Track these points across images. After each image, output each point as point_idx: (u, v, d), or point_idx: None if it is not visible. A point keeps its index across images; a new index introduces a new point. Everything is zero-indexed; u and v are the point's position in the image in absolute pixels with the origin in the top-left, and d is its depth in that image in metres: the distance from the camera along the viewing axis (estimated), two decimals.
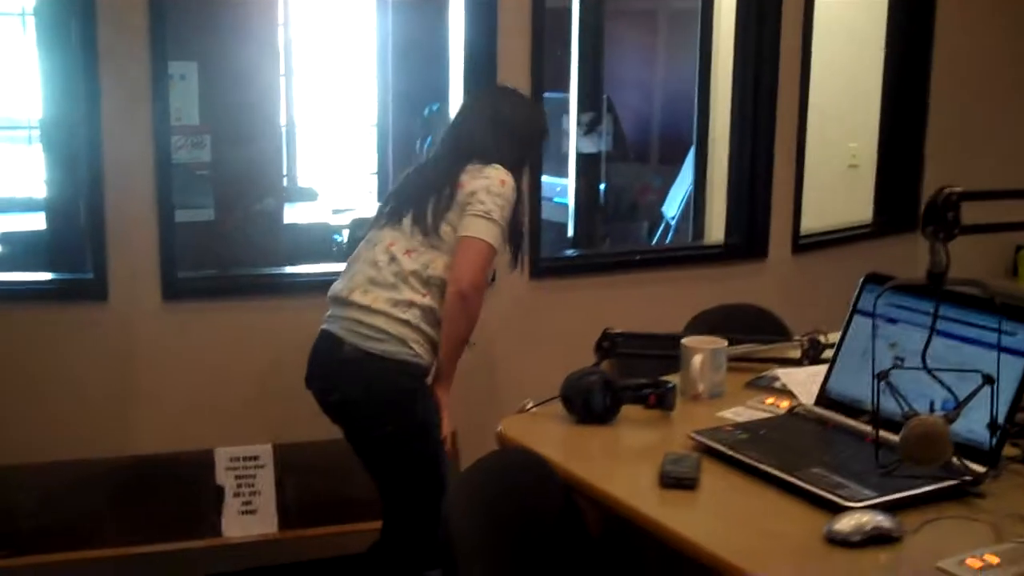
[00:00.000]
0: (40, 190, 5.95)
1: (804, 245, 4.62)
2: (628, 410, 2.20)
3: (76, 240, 4.22)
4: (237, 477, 3.62)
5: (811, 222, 4.79)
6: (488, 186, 2.77)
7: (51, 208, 5.43)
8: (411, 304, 2.77)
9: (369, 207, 8.22)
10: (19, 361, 3.54)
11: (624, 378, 2.27)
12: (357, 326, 2.80)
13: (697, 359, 2.30)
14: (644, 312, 4.15)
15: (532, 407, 2.33)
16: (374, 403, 2.80)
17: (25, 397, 3.54)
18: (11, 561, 3.38)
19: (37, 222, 5.90)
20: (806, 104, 4.53)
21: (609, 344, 2.55)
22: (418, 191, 2.87)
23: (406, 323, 2.76)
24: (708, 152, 6.29)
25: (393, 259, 2.80)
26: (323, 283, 3.87)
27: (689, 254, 4.65)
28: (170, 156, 3.66)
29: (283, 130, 7.55)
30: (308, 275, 3.99)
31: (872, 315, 2.03)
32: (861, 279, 2.20)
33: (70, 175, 4.63)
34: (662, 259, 4.58)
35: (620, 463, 2.11)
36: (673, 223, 7.08)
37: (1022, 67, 5.63)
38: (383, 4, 8.52)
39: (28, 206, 6.56)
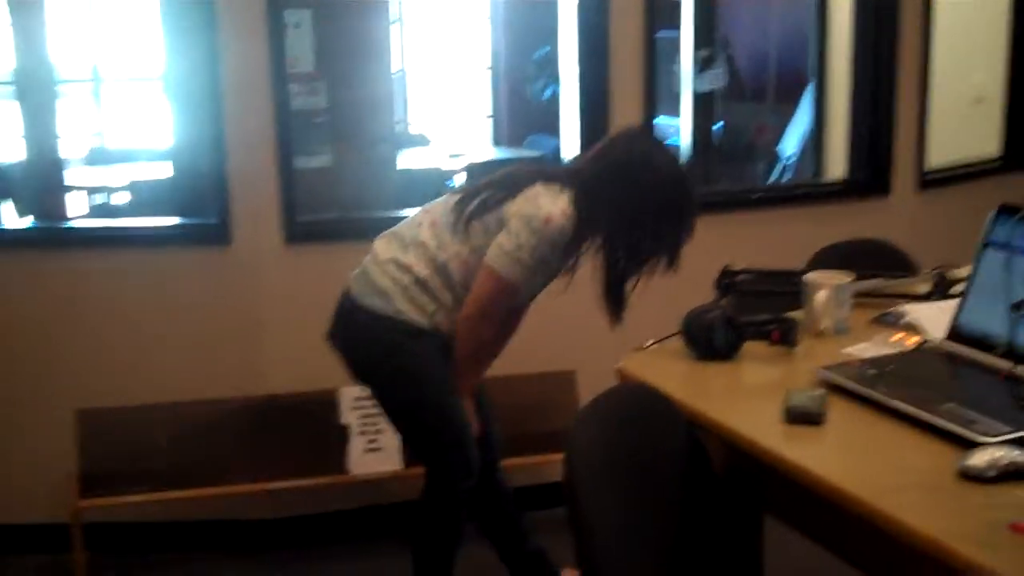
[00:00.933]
0: (166, 140, 6.14)
1: (929, 181, 4.48)
2: (750, 346, 2.18)
3: (201, 187, 4.32)
4: (362, 416, 3.68)
5: (936, 158, 4.65)
6: (531, 218, 2.55)
7: (177, 157, 5.59)
8: (408, 269, 2.72)
9: (483, 151, 8.26)
10: (149, 305, 3.67)
11: (746, 315, 2.25)
12: (362, 276, 2.82)
13: (821, 294, 2.26)
14: (764, 251, 4.02)
15: (652, 343, 2.32)
16: (360, 358, 2.89)
17: (155, 340, 3.66)
18: (147, 496, 3.51)
19: (164, 170, 6.07)
20: (929, 33, 4.38)
21: (729, 281, 2.52)
22: (488, 181, 2.75)
23: (396, 282, 2.72)
24: (827, 88, 6.13)
25: (420, 224, 2.76)
26: None
27: (809, 191, 4.55)
28: (288, 103, 3.72)
29: (395, 76, 7.59)
30: None
31: (1007, 247, 1.97)
32: (994, 211, 2.12)
33: (194, 125, 4.74)
34: (781, 197, 4.50)
35: (743, 399, 2.09)
36: (791, 163, 6.94)
37: None
38: None
39: (156, 155, 6.75)
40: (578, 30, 3.92)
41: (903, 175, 4.41)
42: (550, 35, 7.88)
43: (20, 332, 3.65)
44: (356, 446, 3.67)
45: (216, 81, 3.57)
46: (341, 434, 3.66)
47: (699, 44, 6.17)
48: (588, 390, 3.86)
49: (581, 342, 3.52)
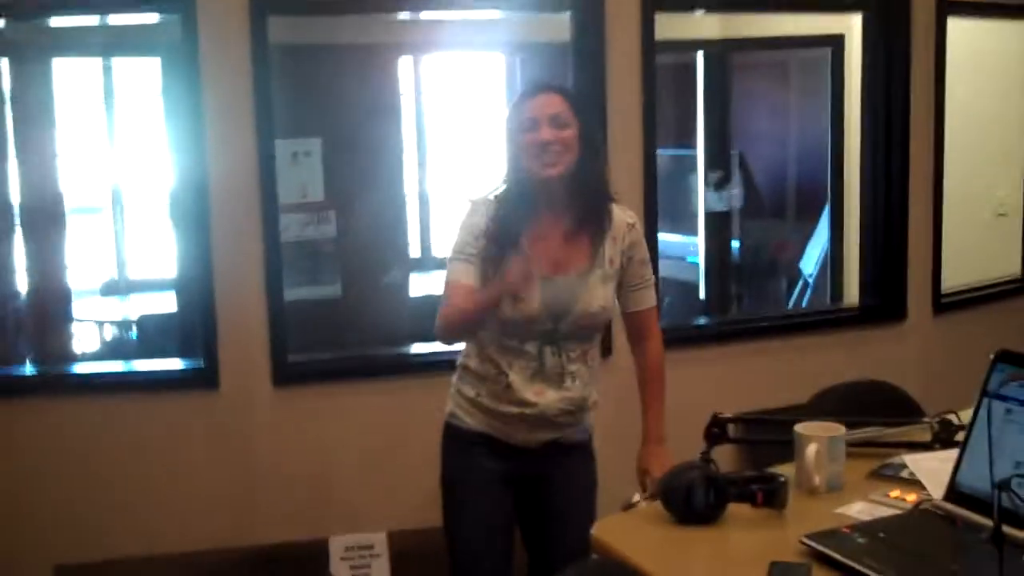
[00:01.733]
0: (171, 273, 6.09)
1: (946, 304, 4.33)
2: (736, 507, 2.01)
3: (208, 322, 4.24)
4: (352, 567, 3.54)
5: (958, 277, 4.50)
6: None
7: (179, 290, 5.53)
8: (456, 365, 2.70)
9: None
10: (131, 454, 3.55)
11: (741, 467, 2.09)
12: None
13: (811, 449, 2.10)
14: (776, 383, 3.94)
15: (639, 500, 2.16)
16: None
17: (138, 491, 3.54)
18: None
19: (170, 304, 6.01)
20: (941, 152, 4.27)
21: (719, 430, 2.36)
22: None
23: (453, 383, 2.70)
24: (843, 205, 6.03)
25: None
26: (439, 363, 3.80)
27: (823, 318, 4.39)
28: (279, 237, 3.63)
29: (408, 200, 7.56)
30: (424, 355, 3.89)
31: (999, 397, 1.81)
32: (992, 356, 1.96)
33: (187, 258, 4.68)
34: (794, 325, 4.34)
35: (724, 572, 1.91)
36: (811, 280, 6.79)
37: None
38: (512, 67, 8.51)
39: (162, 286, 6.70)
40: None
41: (919, 299, 4.26)
42: None
43: None
44: None
45: (205, 210, 3.50)
46: None
47: (714, 162, 6.11)
48: None
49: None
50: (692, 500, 1.98)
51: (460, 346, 2.67)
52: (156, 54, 5.57)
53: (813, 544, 1.80)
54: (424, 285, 6.84)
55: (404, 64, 7.27)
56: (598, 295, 2.54)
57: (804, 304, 6.69)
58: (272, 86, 3.49)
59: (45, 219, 5.46)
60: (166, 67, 5.59)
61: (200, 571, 3.49)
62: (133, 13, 4.10)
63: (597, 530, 2.02)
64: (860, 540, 1.81)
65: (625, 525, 2.06)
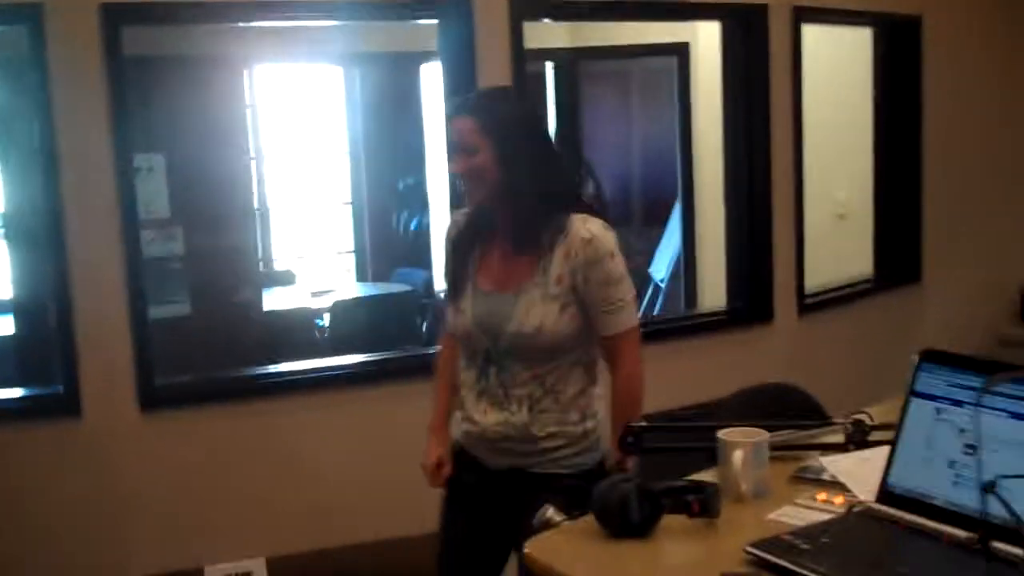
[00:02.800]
0: (8, 293, 5.75)
1: (810, 305, 4.43)
2: (668, 519, 1.97)
3: (46, 343, 3.99)
4: None
5: (808, 280, 4.62)
6: None
7: (20, 312, 5.22)
8: None
9: (347, 287, 8.03)
10: None
11: (654, 478, 2.05)
12: None
13: (738, 455, 2.07)
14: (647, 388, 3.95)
15: (558, 518, 2.10)
16: None
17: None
18: None
19: (5, 327, 5.67)
20: (801, 156, 4.38)
21: (634, 439, 2.32)
22: None
23: None
24: (695, 210, 6.14)
25: None
26: (308, 381, 3.68)
27: (690, 323, 4.43)
28: (140, 254, 3.45)
29: (256, 214, 7.36)
30: (293, 373, 3.77)
31: (927, 397, 1.83)
32: (915, 356, 1.98)
33: (37, 276, 4.42)
34: (660, 330, 4.36)
35: None
36: (663, 285, 6.89)
37: (1011, 103, 5.51)
38: (351, 77, 8.38)
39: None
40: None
41: (784, 301, 4.35)
42: (413, 166, 7.83)
43: None
44: None
45: (59, 227, 3.29)
46: None
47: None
48: None
49: None
50: (627, 513, 1.93)
51: None
52: None
53: (759, 553, 1.77)
54: (272, 300, 6.66)
55: (248, 75, 7.08)
56: (534, 314, 2.37)
57: (656, 310, 6.80)
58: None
59: None
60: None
61: None
62: None
63: (530, 548, 1.95)
64: (805, 546, 1.78)
65: (558, 542, 1.99)
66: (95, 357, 3.35)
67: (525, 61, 3.73)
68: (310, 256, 8.73)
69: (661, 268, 6.97)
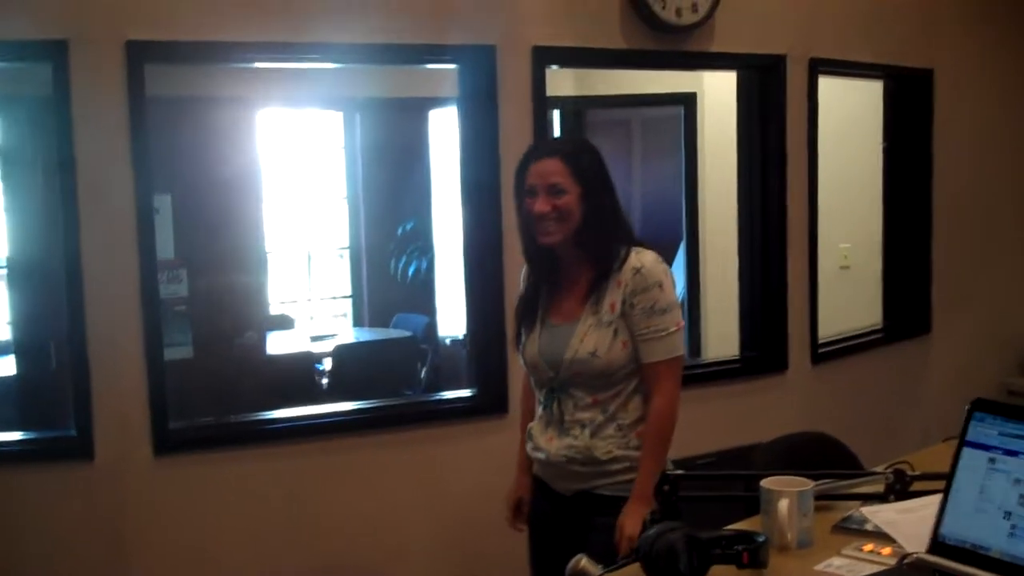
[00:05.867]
0: (8, 334, 5.69)
1: (823, 354, 4.42)
2: (714, 568, 1.94)
3: (51, 390, 3.94)
4: None
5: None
6: None
7: (23, 354, 5.17)
8: None
9: (345, 332, 7.98)
10: None
11: (692, 526, 2.01)
12: None
13: (784, 504, 2.05)
14: None
15: (593, 570, 2.05)
16: None
17: (6, 569, 3.21)
18: None
19: (5, 368, 5.61)
20: (815, 206, 4.38)
21: (671, 488, 2.29)
22: None
23: None
24: (699, 259, 6.14)
25: None
26: (321, 426, 3.64)
27: (704, 371, 4.40)
28: (158, 296, 3.42)
29: (267, 257, 7.34)
30: (300, 418, 3.72)
31: (980, 447, 1.81)
32: (967, 406, 1.96)
33: (46, 318, 4.37)
34: None
35: None
36: None
37: (1022, 155, 5.55)
38: (351, 122, 8.39)
39: None
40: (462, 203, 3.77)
41: (798, 350, 4.33)
42: (411, 211, 7.82)
43: None
44: None
45: (76, 267, 3.24)
46: None
47: None
48: None
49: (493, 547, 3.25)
50: (675, 563, 1.89)
51: None
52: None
53: None
54: (273, 345, 6.63)
55: (260, 118, 7.08)
56: (589, 341, 2.50)
57: None
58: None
59: None
60: (2, 118, 5.29)
61: None
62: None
63: None
64: None
65: None
66: (109, 400, 3.29)
67: (547, 107, 3.73)
68: (305, 301, 8.70)
69: None
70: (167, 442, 3.35)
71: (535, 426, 2.65)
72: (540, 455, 2.62)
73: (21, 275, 5.02)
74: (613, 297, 2.50)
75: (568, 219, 2.49)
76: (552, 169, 2.49)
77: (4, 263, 5.44)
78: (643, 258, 2.51)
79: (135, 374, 3.32)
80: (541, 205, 2.49)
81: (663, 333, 2.50)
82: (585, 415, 2.53)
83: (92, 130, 3.24)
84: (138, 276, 3.32)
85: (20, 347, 5.15)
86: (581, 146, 2.66)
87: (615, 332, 2.50)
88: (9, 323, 5.20)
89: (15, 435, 3.53)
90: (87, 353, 3.27)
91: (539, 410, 2.65)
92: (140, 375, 3.33)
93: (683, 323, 2.59)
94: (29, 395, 4.91)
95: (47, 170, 3.42)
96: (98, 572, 3.30)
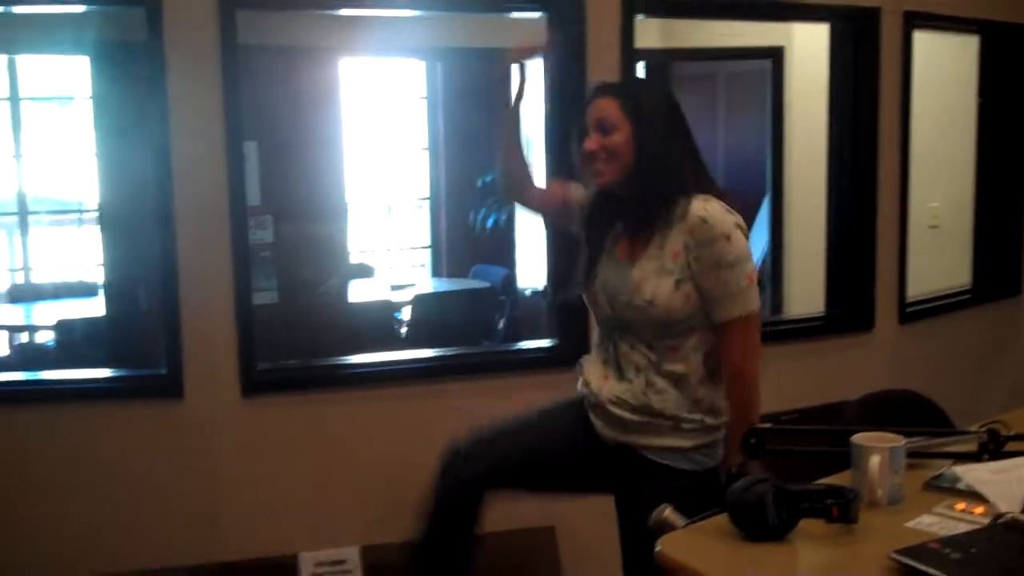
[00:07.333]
0: (100, 277, 5.82)
1: (910, 314, 4.35)
2: (802, 522, 1.93)
3: (138, 330, 4.01)
4: None
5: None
6: None
7: (112, 296, 5.28)
8: None
9: (423, 282, 8.03)
10: (88, 465, 3.32)
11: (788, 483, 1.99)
12: None
13: (875, 460, 2.03)
14: None
15: (678, 521, 2.06)
16: None
17: (92, 506, 3.32)
18: None
19: (95, 309, 5.74)
20: (907, 162, 4.30)
21: (758, 441, 2.28)
22: None
23: None
24: (784, 216, 6.07)
25: None
26: (401, 372, 3.68)
27: (789, 328, 4.35)
28: (247, 239, 3.46)
29: (349, 206, 7.38)
30: (388, 364, 3.76)
31: None
32: None
33: (135, 262, 4.46)
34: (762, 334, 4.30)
35: None
36: None
37: None
38: (433, 71, 8.39)
39: (82, 291, 6.41)
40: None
41: (886, 308, 4.27)
42: (492, 164, 7.81)
43: None
44: None
45: (169, 212, 3.30)
46: None
47: None
48: (568, 546, 3.62)
49: None
50: (763, 515, 1.88)
51: None
52: (83, 52, 5.35)
53: (906, 560, 1.72)
54: (354, 293, 6.70)
55: (343, 67, 7.11)
56: (647, 287, 2.40)
57: None
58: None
59: None
60: (94, 64, 5.36)
61: None
62: (92, 6, 3.86)
63: (664, 547, 1.92)
64: (954, 556, 1.73)
65: (691, 541, 1.95)
66: (199, 340, 3.35)
67: (635, 58, 3.69)
68: (385, 250, 8.76)
69: None
70: (254, 383, 3.40)
71: (589, 360, 2.58)
72: (589, 394, 2.53)
73: (112, 219, 5.12)
74: (676, 246, 2.38)
75: (617, 158, 2.41)
76: (606, 106, 2.42)
77: (96, 208, 5.55)
78: (709, 206, 2.38)
79: (224, 316, 3.38)
80: (590, 143, 2.43)
81: (735, 289, 2.39)
82: (642, 361, 2.44)
83: (185, 75, 3.28)
84: (229, 220, 3.36)
85: (110, 289, 5.26)
86: (642, 86, 2.63)
87: (677, 283, 2.38)
88: (101, 264, 5.31)
89: (106, 372, 3.62)
90: (178, 294, 3.33)
91: (596, 344, 2.58)
92: (229, 317, 3.38)
93: (756, 276, 2.45)
94: (118, 336, 5.02)
95: (139, 115, 3.45)
96: (185, 506, 3.38)
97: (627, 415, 2.46)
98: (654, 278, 2.40)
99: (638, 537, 2.22)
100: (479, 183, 8.10)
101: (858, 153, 4.19)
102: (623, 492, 2.53)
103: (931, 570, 1.68)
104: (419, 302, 6.70)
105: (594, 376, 2.53)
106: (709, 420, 2.47)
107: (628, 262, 2.46)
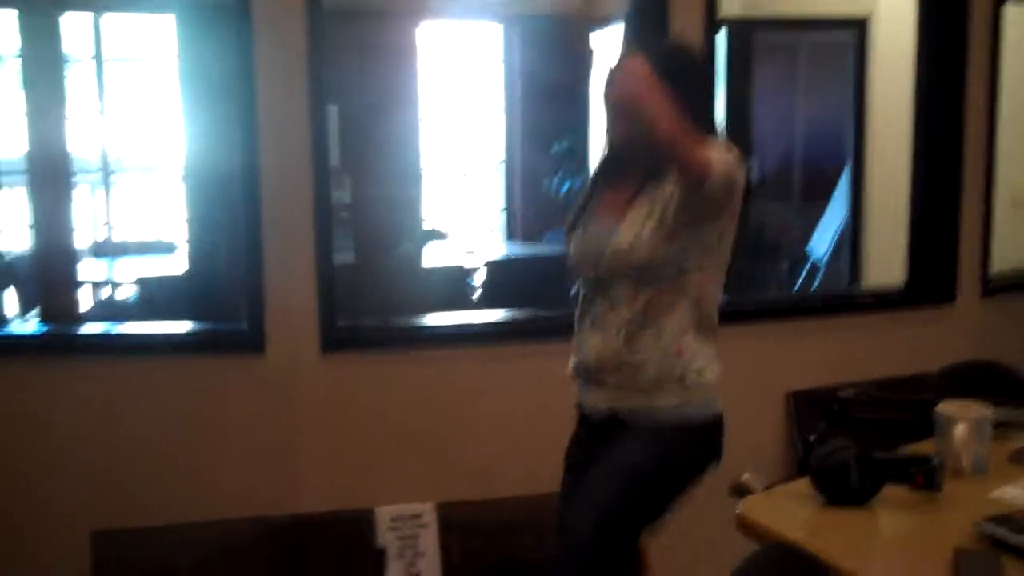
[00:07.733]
0: (182, 235, 5.93)
1: (993, 288, 4.27)
2: (885, 489, 1.92)
3: (218, 287, 4.07)
4: (400, 537, 3.41)
5: None
6: None
7: (194, 253, 5.38)
8: None
9: (497, 247, 8.06)
10: (169, 417, 3.39)
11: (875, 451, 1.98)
12: None
13: (961, 429, 2.01)
14: (822, 364, 3.87)
15: (757, 485, 2.06)
16: None
17: (176, 456, 3.38)
18: None
19: (176, 266, 5.85)
20: (994, 135, 4.20)
21: (839, 408, 2.27)
22: None
23: None
24: (864, 186, 5.99)
25: None
26: (477, 333, 3.71)
27: (863, 299, 4.29)
28: (329, 199, 3.49)
29: (425, 171, 7.42)
30: (465, 326, 3.79)
31: None
32: None
33: (218, 221, 4.53)
34: (839, 305, 4.26)
35: (900, 558, 1.82)
36: (821, 263, 6.74)
37: None
38: (511, 36, 8.38)
39: (162, 249, 6.53)
40: None
41: (968, 281, 4.20)
42: (568, 129, 7.80)
43: (29, 446, 3.36)
44: (394, 570, 3.39)
45: (254, 173, 3.34)
46: (378, 558, 3.38)
47: (735, 141, 6.01)
48: None
49: None
50: (848, 480, 1.88)
51: None
52: (169, 10, 5.42)
53: (995, 530, 1.71)
54: (428, 256, 6.74)
55: (421, 32, 7.12)
56: (631, 231, 2.32)
57: (814, 287, 6.66)
58: None
59: (52, 179, 5.29)
60: (180, 23, 5.43)
61: (241, 539, 3.35)
62: None
63: (744, 508, 1.92)
64: None
65: (771, 504, 1.96)
66: (280, 296, 3.39)
67: (717, 26, 3.65)
68: (458, 213, 8.79)
69: (822, 245, 6.82)
70: (334, 339, 3.44)
71: (578, 326, 2.47)
72: (577, 357, 2.46)
73: (197, 178, 5.20)
74: (671, 185, 2.28)
75: (630, 116, 2.29)
76: (632, 61, 2.36)
77: (181, 166, 5.62)
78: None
79: (306, 273, 3.41)
80: (611, 93, 2.39)
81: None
82: (626, 313, 2.34)
83: (270, 36, 3.30)
84: (312, 179, 3.39)
85: (193, 246, 5.35)
86: (675, 46, 2.57)
87: (660, 220, 2.28)
88: (187, 221, 5.40)
89: (188, 326, 3.69)
90: (261, 251, 3.37)
91: (579, 307, 2.47)
92: (310, 274, 3.41)
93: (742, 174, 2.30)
94: (198, 292, 5.11)
95: (225, 77, 3.50)
96: (265, 459, 3.43)
97: (607, 376, 2.39)
98: (640, 223, 2.32)
99: (601, 483, 2.30)
100: (554, 149, 8.09)
101: (944, 125, 4.10)
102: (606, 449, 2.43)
103: (1020, 540, 1.68)
104: (492, 266, 6.72)
105: (581, 339, 2.45)
106: (693, 377, 2.36)
107: (617, 217, 2.38)
